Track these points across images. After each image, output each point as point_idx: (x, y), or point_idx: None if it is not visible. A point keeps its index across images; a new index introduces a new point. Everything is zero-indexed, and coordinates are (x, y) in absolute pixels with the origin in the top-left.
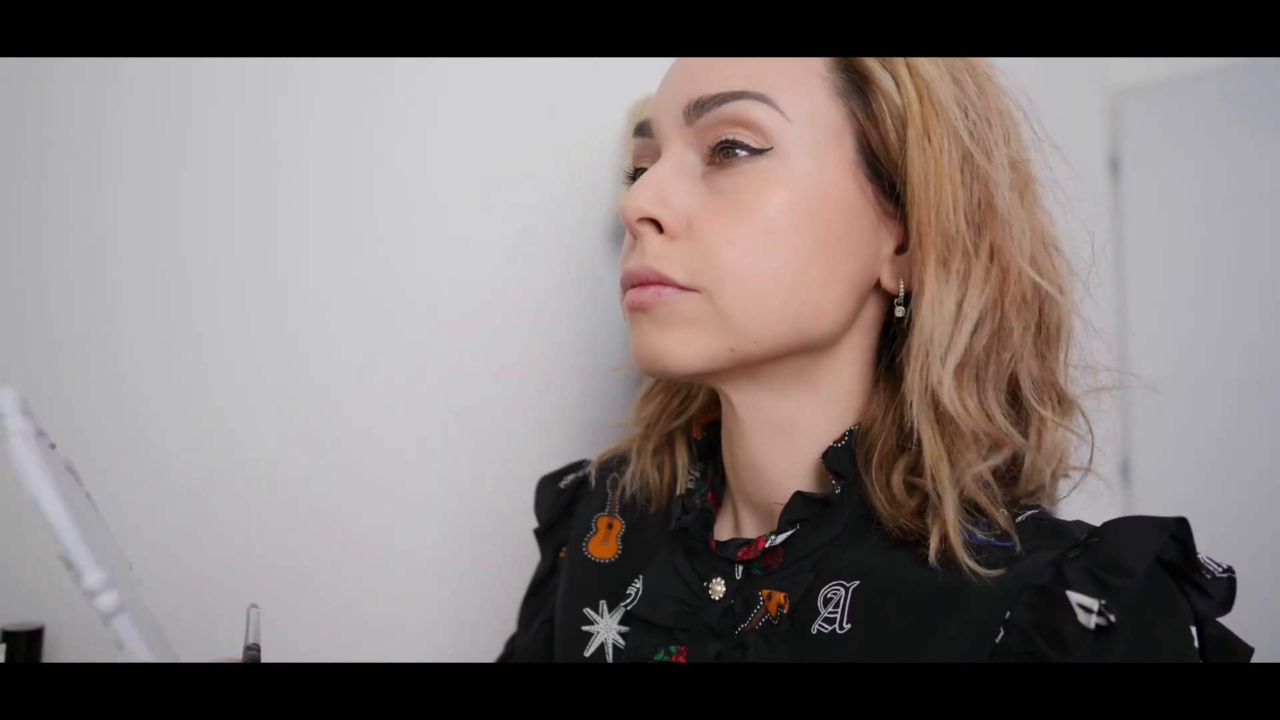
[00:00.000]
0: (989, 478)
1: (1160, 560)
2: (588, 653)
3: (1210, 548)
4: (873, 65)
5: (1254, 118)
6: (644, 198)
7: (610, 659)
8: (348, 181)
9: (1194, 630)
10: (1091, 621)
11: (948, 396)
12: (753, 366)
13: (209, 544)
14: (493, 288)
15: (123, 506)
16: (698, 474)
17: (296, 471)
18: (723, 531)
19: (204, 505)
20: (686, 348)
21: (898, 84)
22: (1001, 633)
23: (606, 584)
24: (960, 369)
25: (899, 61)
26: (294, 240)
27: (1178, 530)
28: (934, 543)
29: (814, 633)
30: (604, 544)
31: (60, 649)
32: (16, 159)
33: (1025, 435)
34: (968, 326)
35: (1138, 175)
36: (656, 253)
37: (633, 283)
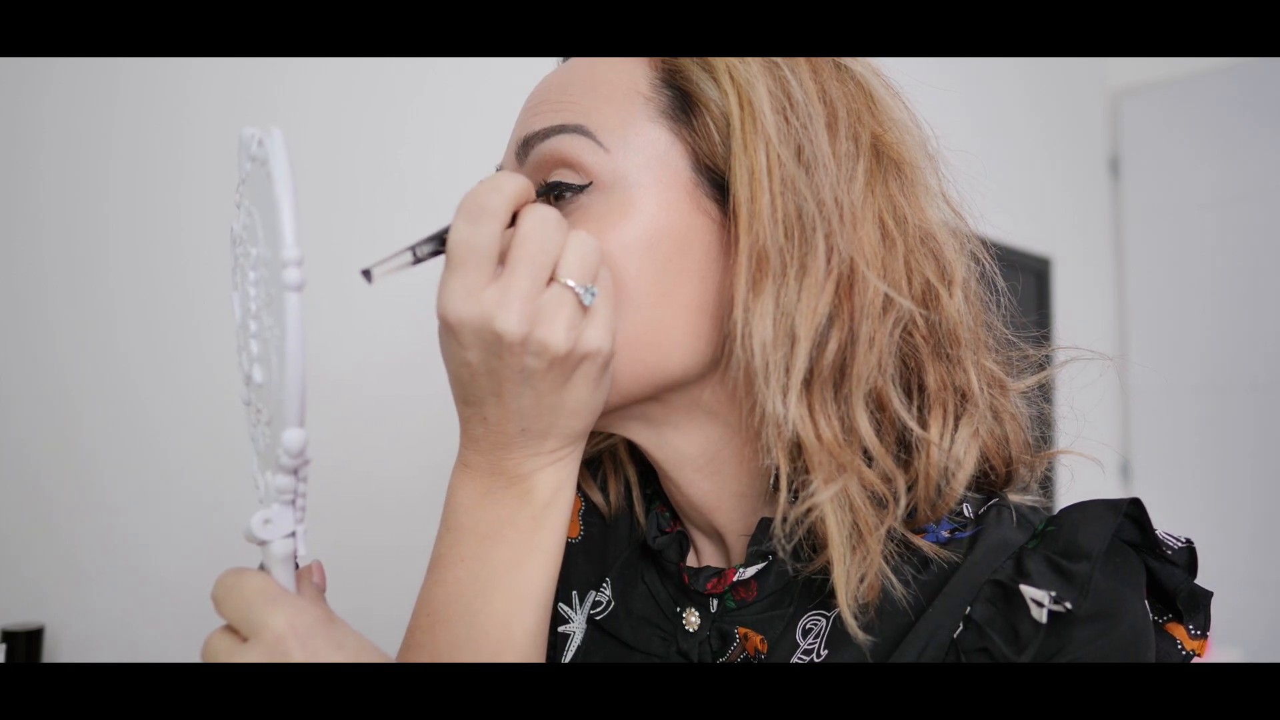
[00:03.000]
0: (871, 514)
1: (1122, 540)
2: (567, 658)
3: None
4: (696, 76)
5: (1254, 118)
6: None
7: (569, 660)
8: (349, 182)
9: (1145, 604)
10: (1043, 614)
11: (793, 426)
12: (634, 409)
13: (214, 542)
14: None
15: (126, 506)
16: (648, 487)
17: None
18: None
19: (207, 503)
20: None
21: (722, 93)
22: (960, 628)
23: (575, 571)
24: (808, 391)
25: (720, 68)
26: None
27: (1132, 510)
28: (837, 585)
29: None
30: (570, 521)
31: (60, 649)
32: (16, 159)
33: (910, 453)
34: (802, 349)
35: (1138, 175)
36: None
37: None
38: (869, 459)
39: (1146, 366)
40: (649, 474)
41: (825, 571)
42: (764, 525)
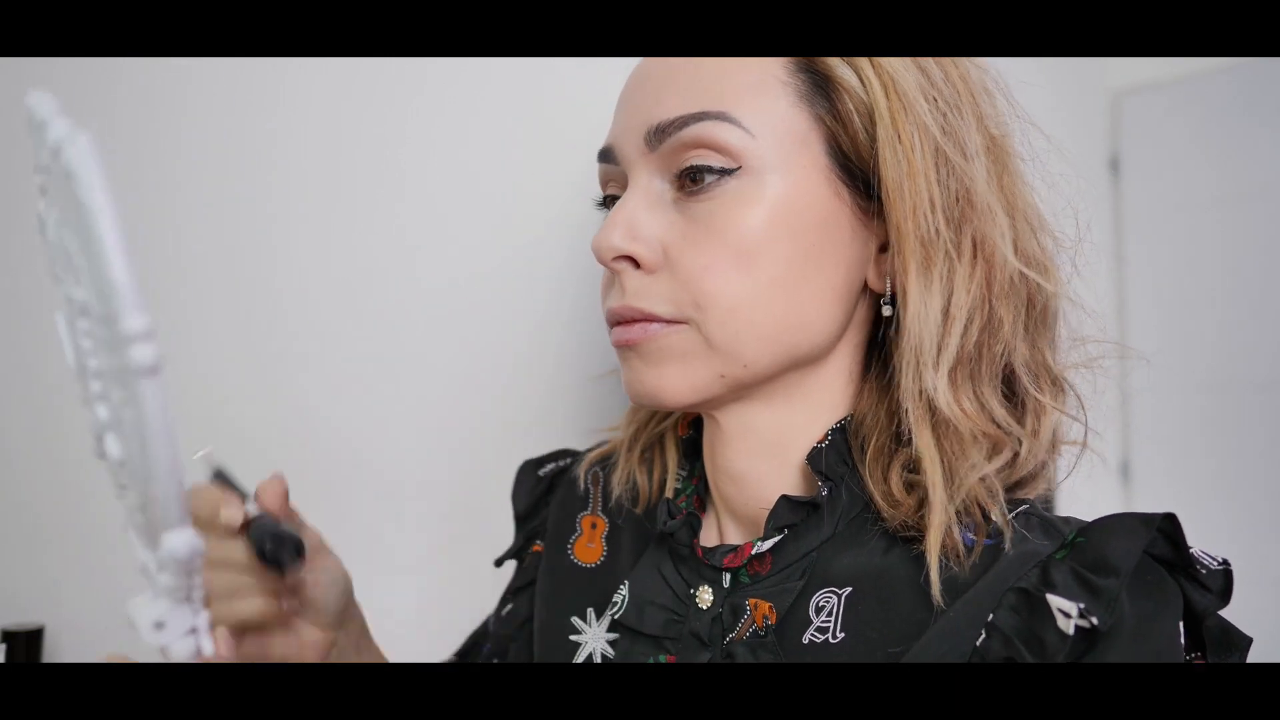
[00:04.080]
0: (993, 482)
1: (1153, 556)
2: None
3: (1211, 548)
4: (834, 62)
5: (1254, 118)
6: (616, 235)
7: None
8: (347, 183)
9: (1181, 626)
10: (1070, 626)
11: (944, 401)
12: (747, 388)
13: None
14: (489, 291)
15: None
16: (684, 473)
17: (291, 472)
18: (709, 537)
19: None
20: (681, 380)
21: (862, 80)
22: (983, 635)
23: (593, 590)
24: (954, 370)
25: (860, 58)
26: (292, 242)
27: (1165, 525)
28: (931, 544)
29: (805, 642)
30: (589, 546)
31: (60, 649)
32: (12, 160)
33: (1023, 424)
34: (958, 328)
35: (1138, 175)
36: (636, 289)
37: (616, 321)
38: (997, 426)
39: (1153, 366)
40: (686, 463)
41: (837, 547)
42: (784, 501)
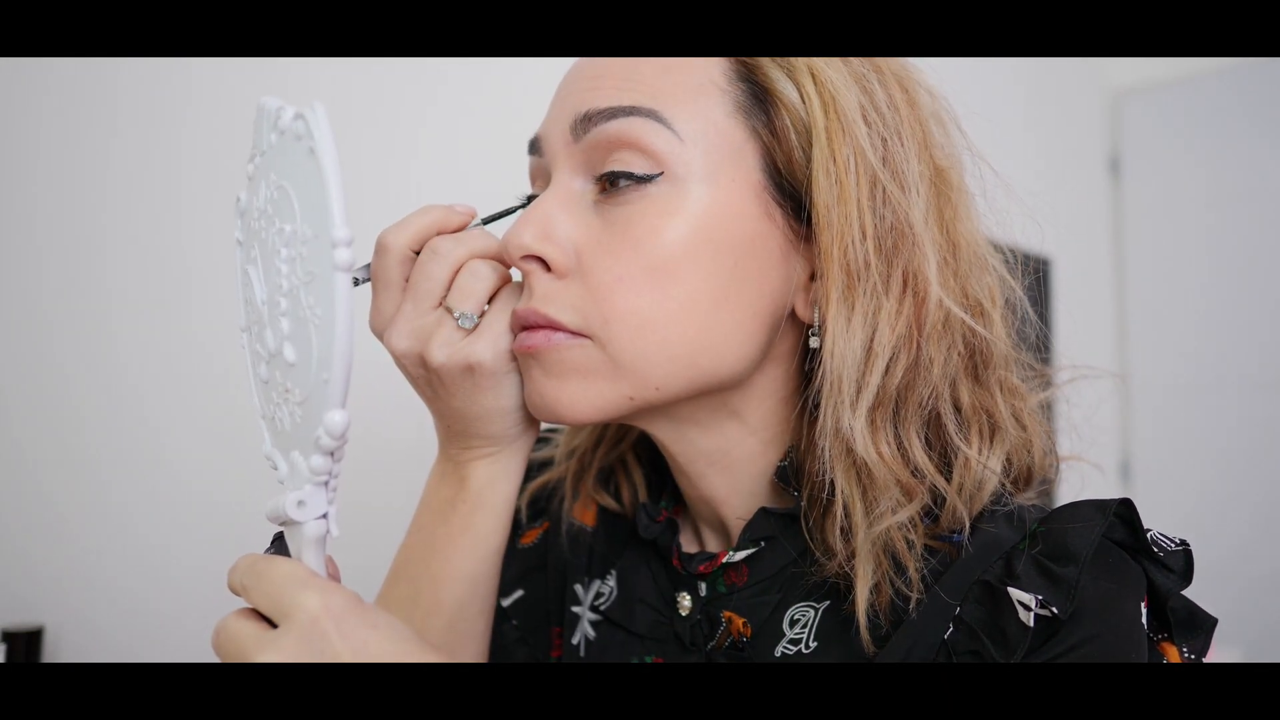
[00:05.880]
0: (910, 532)
1: (1113, 542)
2: (575, 639)
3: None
4: (775, 75)
5: (1254, 118)
6: (528, 233)
7: (582, 652)
8: (347, 182)
9: (1144, 607)
10: (1030, 618)
11: (861, 443)
12: (664, 407)
13: (215, 542)
14: None
15: (126, 506)
16: (657, 481)
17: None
18: (691, 540)
19: (207, 502)
20: (581, 399)
21: (802, 95)
22: (950, 628)
23: (589, 558)
24: (874, 410)
25: (803, 70)
26: None
27: (1122, 510)
28: (858, 599)
29: (778, 655)
30: (586, 508)
31: (60, 649)
32: (14, 160)
33: (950, 471)
34: (879, 366)
35: (1138, 175)
36: (544, 293)
37: (520, 325)
38: (916, 474)
39: (1145, 368)
40: (655, 474)
41: (831, 569)
42: (761, 514)
